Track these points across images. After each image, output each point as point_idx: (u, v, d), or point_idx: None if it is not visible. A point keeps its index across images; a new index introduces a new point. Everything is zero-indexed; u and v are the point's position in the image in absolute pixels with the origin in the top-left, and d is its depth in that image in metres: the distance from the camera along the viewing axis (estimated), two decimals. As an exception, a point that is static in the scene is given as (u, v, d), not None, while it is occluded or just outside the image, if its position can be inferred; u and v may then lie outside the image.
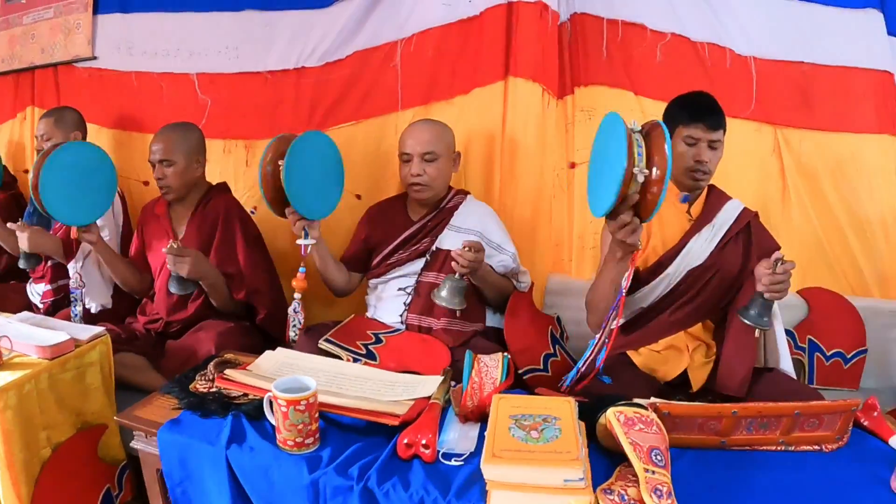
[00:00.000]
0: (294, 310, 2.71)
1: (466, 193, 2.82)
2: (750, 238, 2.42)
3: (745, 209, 2.44)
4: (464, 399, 1.90)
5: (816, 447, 1.68)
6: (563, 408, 1.70)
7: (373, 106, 3.09)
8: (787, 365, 2.31)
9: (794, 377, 2.38)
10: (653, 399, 1.68)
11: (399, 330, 2.67)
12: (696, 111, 2.33)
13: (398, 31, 3.05)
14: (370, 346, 2.48)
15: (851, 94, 3.31)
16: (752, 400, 2.06)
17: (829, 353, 3.21)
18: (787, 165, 3.26)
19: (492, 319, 2.81)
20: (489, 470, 1.48)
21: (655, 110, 3.01)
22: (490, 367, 2.01)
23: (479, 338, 2.67)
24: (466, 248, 2.32)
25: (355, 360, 2.30)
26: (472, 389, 1.93)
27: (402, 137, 2.69)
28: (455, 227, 2.71)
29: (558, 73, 3.02)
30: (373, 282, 2.80)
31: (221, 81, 3.38)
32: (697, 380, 2.35)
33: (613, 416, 1.60)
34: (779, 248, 2.45)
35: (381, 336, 2.58)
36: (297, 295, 2.68)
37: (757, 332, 2.12)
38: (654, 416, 1.55)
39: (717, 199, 2.48)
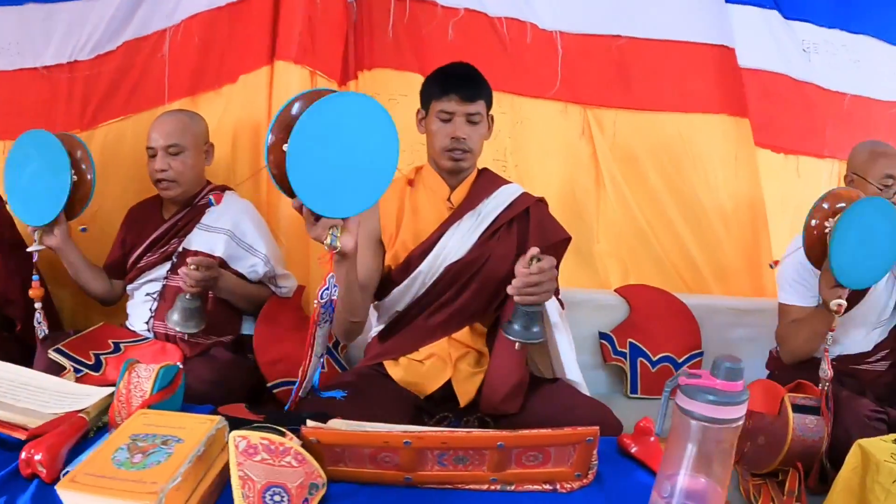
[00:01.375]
0: (37, 320, 2.50)
1: (225, 189, 2.58)
2: (528, 228, 2.11)
3: (523, 194, 2.17)
4: (111, 414, 1.69)
5: (548, 486, 1.37)
6: (198, 429, 1.45)
7: (141, 99, 2.88)
8: (573, 375, 2.08)
9: (581, 389, 2.09)
10: (311, 423, 1.45)
11: (147, 339, 2.48)
12: (448, 83, 2.08)
13: (168, 17, 2.85)
14: (102, 356, 2.30)
15: (680, 70, 3.15)
16: (527, 416, 1.97)
17: (655, 359, 2.99)
18: (601, 149, 3.07)
19: (250, 328, 2.57)
20: (65, 496, 1.27)
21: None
22: (142, 379, 1.78)
23: (221, 348, 2.47)
24: (193, 267, 2.16)
25: (77, 372, 2.15)
26: (118, 403, 1.71)
27: (148, 131, 2.50)
28: (205, 227, 2.53)
29: (342, 56, 2.74)
30: (128, 288, 2.59)
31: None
32: (464, 393, 2.07)
33: (232, 442, 1.33)
34: (568, 239, 2.20)
35: (121, 345, 2.40)
36: (37, 304, 2.47)
37: (518, 346, 1.79)
38: (293, 444, 1.33)
39: (487, 183, 2.20)
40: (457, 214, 2.12)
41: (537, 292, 1.77)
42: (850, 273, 2.16)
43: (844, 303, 2.17)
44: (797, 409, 2.15)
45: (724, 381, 1.14)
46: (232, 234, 2.59)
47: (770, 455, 2.15)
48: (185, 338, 2.49)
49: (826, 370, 2.19)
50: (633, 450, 1.51)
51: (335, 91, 1.63)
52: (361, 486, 1.37)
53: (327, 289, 1.77)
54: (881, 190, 2.38)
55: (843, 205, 2.16)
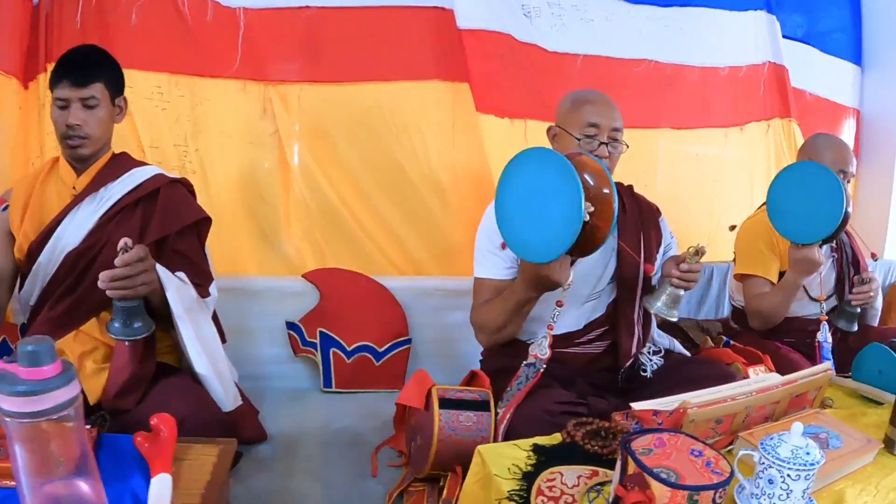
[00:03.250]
0: None
1: None
2: (154, 211, 2.07)
3: (156, 176, 2.12)
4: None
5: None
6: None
7: None
8: (201, 369, 2.01)
9: (208, 383, 2.02)
10: None
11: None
12: (59, 69, 2.03)
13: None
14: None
15: (387, 37, 3.05)
16: (139, 411, 1.86)
17: (351, 349, 2.89)
18: (284, 126, 2.98)
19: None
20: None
21: (143, 82, 2.81)
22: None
23: None
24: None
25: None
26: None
27: None
28: None
29: (24, 52, 2.74)
30: None
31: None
32: (91, 391, 1.94)
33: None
34: (206, 219, 2.18)
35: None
36: None
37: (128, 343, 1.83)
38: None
39: (116, 167, 2.13)
40: (76, 200, 2.07)
41: (128, 286, 1.73)
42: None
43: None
44: (449, 403, 2.01)
45: (27, 368, 1.01)
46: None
47: (424, 457, 2.02)
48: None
49: (546, 349, 2.04)
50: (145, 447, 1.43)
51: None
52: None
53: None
54: (585, 140, 2.18)
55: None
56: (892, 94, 4.62)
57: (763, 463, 1.41)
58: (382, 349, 2.82)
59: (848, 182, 2.82)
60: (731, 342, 2.75)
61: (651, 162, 3.62)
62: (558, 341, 2.14)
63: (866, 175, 4.75)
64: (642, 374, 2.26)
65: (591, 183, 1.86)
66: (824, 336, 2.54)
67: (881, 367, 2.23)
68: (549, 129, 2.29)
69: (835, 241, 2.92)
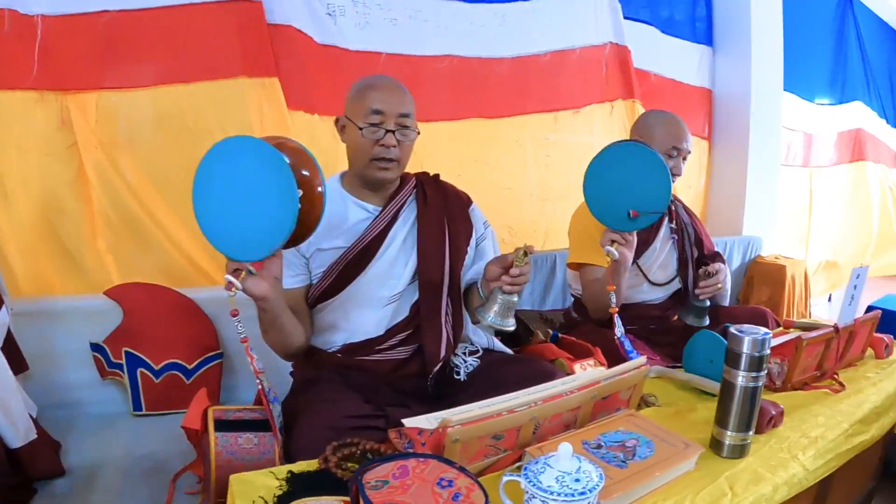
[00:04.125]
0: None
1: None
2: None
3: None
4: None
5: None
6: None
7: None
8: None
9: None
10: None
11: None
12: None
13: None
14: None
15: (191, 35, 2.79)
16: None
17: (159, 368, 2.59)
18: (83, 137, 2.67)
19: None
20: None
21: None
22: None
23: None
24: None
25: None
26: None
27: None
28: None
29: None
30: None
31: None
32: None
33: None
34: None
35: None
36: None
37: None
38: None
39: None
40: None
41: None
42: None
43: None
44: (226, 425, 1.77)
45: None
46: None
47: (208, 484, 1.77)
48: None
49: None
50: None
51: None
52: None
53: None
54: (369, 129, 1.98)
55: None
56: (743, 74, 4.64)
57: (528, 492, 1.18)
58: (192, 366, 2.56)
59: (684, 159, 2.70)
60: (559, 336, 2.59)
61: (467, 153, 3.53)
62: (357, 349, 2.02)
63: (721, 153, 4.75)
64: (456, 377, 2.07)
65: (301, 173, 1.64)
66: (620, 331, 2.31)
67: (713, 355, 2.07)
68: (336, 121, 2.09)
69: (675, 222, 2.80)
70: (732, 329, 1.65)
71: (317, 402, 1.80)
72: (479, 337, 2.27)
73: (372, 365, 2.01)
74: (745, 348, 1.60)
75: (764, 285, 4.62)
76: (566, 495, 1.15)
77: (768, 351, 1.63)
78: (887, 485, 3.09)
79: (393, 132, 1.94)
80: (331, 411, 1.72)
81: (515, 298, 1.87)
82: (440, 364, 2.03)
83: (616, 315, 2.32)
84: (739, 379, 1.63)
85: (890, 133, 7.71)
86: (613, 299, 2.33)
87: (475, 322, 1.98)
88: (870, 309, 3.87)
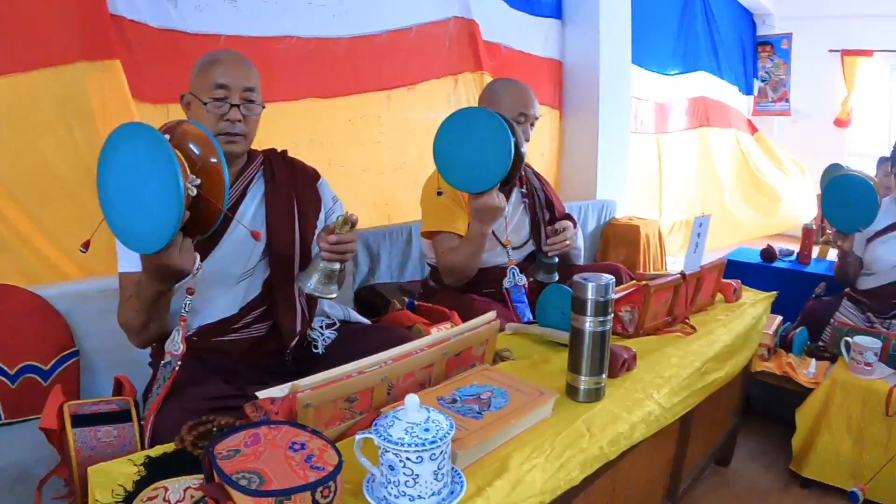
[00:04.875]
0: None
1: None
2: None
3: None
4: None
5: None
6: None
7: None
8: None
9: None
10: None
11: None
12: None
13: None
14: None
15: (14, 21, 2.56)
16: None
17: (13, 372, 2.42)
18: None
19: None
20: None
21: None
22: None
23: None
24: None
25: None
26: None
27: None
28: None
29: None
30: None
31: None
32: None
33: None
34: None
35: None
36: None
37: None
38: None
39: None
40: None
41: None
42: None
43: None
44: (84, 420, 1.69)
45: None
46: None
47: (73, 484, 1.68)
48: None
49: (178, 344, 1.75)
50: None
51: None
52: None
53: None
54: (213, 104, 1.92)
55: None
56: (592, 46, 4.75)
57: (381, 447, 1.17)
58: (48, 367, 2.43)
59: (532, 125, 2.74)
60: (415, 303, 2.60)
61: (304, 133, 3.49)
62: (212, 330, 1.95)
63: (572, 122, 4.87)
64: (314, 351, 2.06)
65: (197, 153, 1.57)
66: (511, 282, 2.42)
67: (563, 307, 2.09)
68: (181, 98, 2.02)
69: (526, 187, 2.84)
70: (576, 278, 1.68)
71: (175, 388, 1.73)
72: (336, 310, 2.25)
73: (228, 345, 1.96)
74: (590, 294, 1.63)
75: (620, 246, 4.77)
76: (417, 445, 1.14)
77: (613, 296, 1.66)
78: (750, 421, 3.28)
79: (238, 106, 1.89)
80: (190, 395, 1.67)
81: (336, 266, 1.85)
82: (297, 339, 2.01)
83: (512, 267, 2.43)
84: (587, 324, 1.65)
85: (742, 100, 8.13)
86: (510, 252, 2.48)
87: (300, 289, 1.96)
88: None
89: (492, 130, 2.23)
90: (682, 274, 2.30)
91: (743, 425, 3.23)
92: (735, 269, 4.12)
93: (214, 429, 1.46)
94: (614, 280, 1.67)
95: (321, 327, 2.12)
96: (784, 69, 8.71)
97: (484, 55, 4.05)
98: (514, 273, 2.44)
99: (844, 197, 3.05)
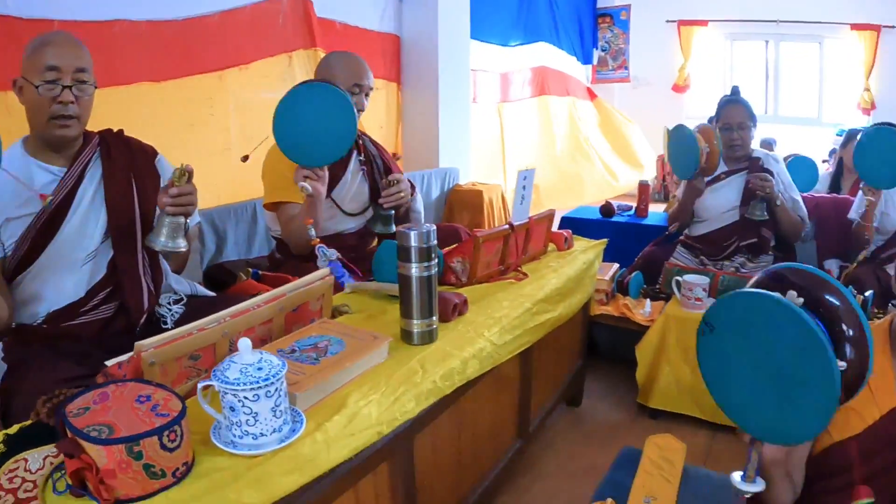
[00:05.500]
0: None
1: None
2: None
3: None
4: None
5: None
6: None
7: None
8: None
9: None
10: None
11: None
12: None
13: None
14: None
15: None
16: None
17: None
18: None
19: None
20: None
21: None
22: None
23: None
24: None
25: None
26: None
27: None
28: None
29: None
30: None
31: None
32: None
33: None
34: None
35: None
36: None
37: None
38: None
39: None
40: None
41: None
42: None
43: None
44: None
45: None
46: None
47: None
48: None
49: None
50: None
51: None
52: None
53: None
54: (45, 87, 1.87)
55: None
56: (430, 21, 4.85)
57: (220, 391, 1.24)
58: None
59: (367, 95, 2.83)
60: (260, 273, 2.65)
61: (137, 117, 3.42)
62: (61, 316, 1.96)
63: (412, 95, 4.97)
64: (164, 327, 2.07)
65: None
66: (324, 261, 2.47)
67: (396, 262, 2.23)
68: (14, 83, 1.98)
69: (363, 155, 2.92)
70: (400, 228, 1.78)
71: (28, 377, 1.76)
72: (182, 285, 2.28)
73: (79, 329, 1.96)
74: (413, 242, 1.73)
75: (464, 210, 4.94)
76: (252, 383, 1.21)
77: (434, 242, 1.76)
78: (599, 364, 3.48)
79: (70, 88, 1.87)
80: (44, 380, 1.69)
81: (181, 220, 1.91)
82: (145, 316, 2.03)
83: (320, 245, 2.43)
84: (413, 270, 1.75)
85: (581, 69, 8.45)
86: (312, 232, 2.44)
87: (148, 247, 1.98)
88: (565, 222, 4.31)
89: (335, 104, 2.31)
90: (511, 225, 2.43)
91: (592, 368, 3.44)
92: (577, 225, 4.33)
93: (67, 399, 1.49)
94: (435, 228, 1.77)
95: (169, 303, 2.14)
96: (623, 39, 9.15)
97: (318, 31, 4.09)
98: (322, 251, 2.50)
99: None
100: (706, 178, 3.54)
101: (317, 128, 2.32)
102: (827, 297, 1.20)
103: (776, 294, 1.17)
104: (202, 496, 1.16)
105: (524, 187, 2.49)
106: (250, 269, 2.70)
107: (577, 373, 3.17)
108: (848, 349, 1.18)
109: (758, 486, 1.26)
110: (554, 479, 2.67)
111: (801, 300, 1.18)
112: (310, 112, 2.32)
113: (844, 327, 1.18)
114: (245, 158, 2.46)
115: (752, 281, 1.31)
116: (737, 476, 1.28)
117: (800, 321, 1.12)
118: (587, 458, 2.83)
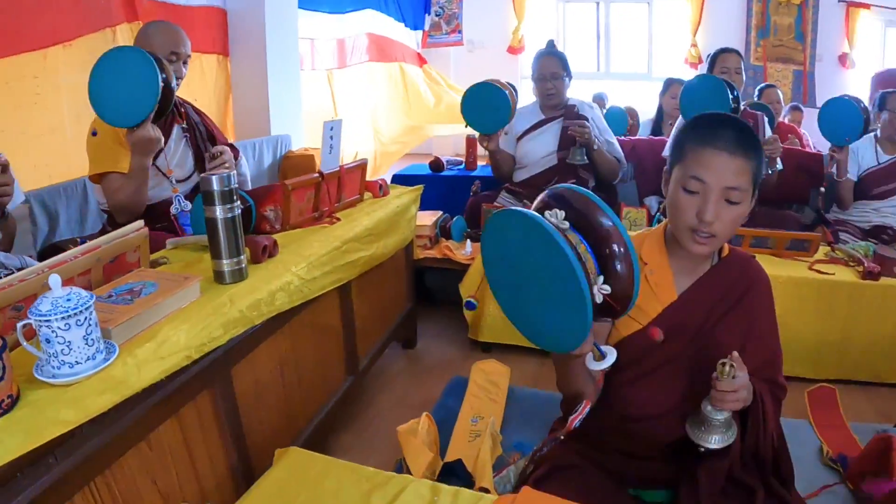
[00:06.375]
0: None
1: None
2: None
3: None
4: None
5: None
6: None
7: None
8: None
9: None
10: None
11: None
12: None
13: None
14: None
15: None
16: None
17: None
18: None
19: None
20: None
21: None
22: None
23: None
24: None
25: None
26: None
27: None
28: None
29: None
30: None
31: None
32: None
33: None
34: None
35: None
36: None
37: None
38: None
39: None
40: None
41: None
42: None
43: None
44: None
45: None
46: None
47: None
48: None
49: None
50: None
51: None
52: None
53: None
54: None
55: None
56: (255, -8, 4.92)
57: (36, 325, 1.39)
58: None
59: (184, 63, 2.93)
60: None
61: None
62: None
63: (240, 66, 5.06)
64: None
65: None
66: (178, 209, 2.66)
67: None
68: None
69: (186, 122, 3.01)
70: (203, 174, 1.94)
71: None
72: (12, 259, 2.33)
73: None
74: (215, 186, 1.88)
75: (297, 175, 4.99)
76: (62, 312, 1.37)
77: (235, 185, 1.92)
78: (432, 308, 3.74)
79: None
80: None
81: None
82: None
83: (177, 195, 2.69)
84: (217, 212, 1.91)
85: (410, 35, 8.63)
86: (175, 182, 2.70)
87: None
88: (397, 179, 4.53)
89: (138, 64, 2.40)
90: (320, 173, 2.62)
91: (427, 312, 3.69)
92: (409, 181, 4.53)
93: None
94: (235, 172, 1.95)
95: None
96: (457, 3, 9.33)
97: (141, 5, 4.08)
98: (179, 200, 2.65)
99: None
100: (527, 126, 3.85)
101: (126, 90, 2.41)
102: (599, 218, 1.39)
103: (530, 212, 1.39)
104: (24, 419, 1.30)
105: (331, 137, 2.66)
106: (78, 239, 2.76)
107: (407, 315, 3.39)
108: (618, 265, 1.39)
109: (610, 359, 1.48)
110: (392, 412, 2.89)
111: (563, 214, 1.39)
112: (115, 73, 2.40)
113: (615, 246, 1.38)
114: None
115: (536, 200, 1.52)
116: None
117: (551, 240, 1.33)
118: (423, 393, 3.06)
